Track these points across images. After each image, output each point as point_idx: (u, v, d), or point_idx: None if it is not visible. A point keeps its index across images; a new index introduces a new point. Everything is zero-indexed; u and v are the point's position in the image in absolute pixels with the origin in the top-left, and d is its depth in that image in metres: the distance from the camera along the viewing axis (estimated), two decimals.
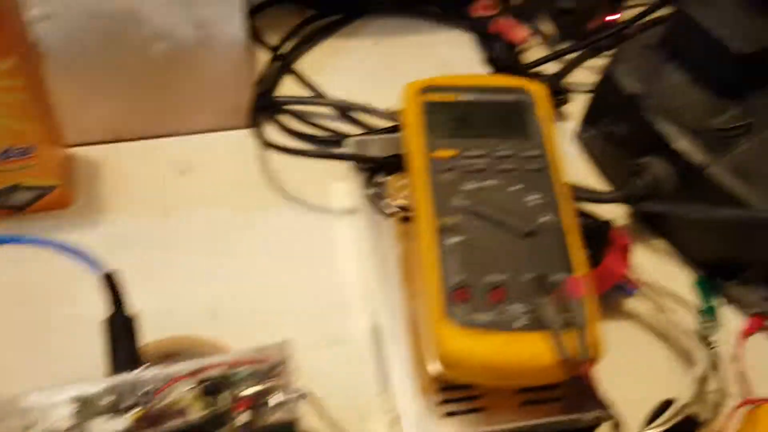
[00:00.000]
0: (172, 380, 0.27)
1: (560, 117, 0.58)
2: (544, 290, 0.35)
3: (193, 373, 0.28)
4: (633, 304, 0.46)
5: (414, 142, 0.41)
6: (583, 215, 0.45)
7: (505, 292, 0.36)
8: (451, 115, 0.43)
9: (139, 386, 0.28)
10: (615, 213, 0.52)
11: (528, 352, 0.34)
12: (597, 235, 0.44)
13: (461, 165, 0.40)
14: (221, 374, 0.29)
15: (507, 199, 0.39)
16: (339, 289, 0.46)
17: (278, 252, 0.47)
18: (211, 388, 0.28)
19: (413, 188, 0.40)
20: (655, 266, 0.49)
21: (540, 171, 0.41)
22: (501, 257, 0.37)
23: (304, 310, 0.45)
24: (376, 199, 0.45)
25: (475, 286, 0.36)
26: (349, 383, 0.42)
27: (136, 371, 0.28)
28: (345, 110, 0.55)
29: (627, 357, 0.44)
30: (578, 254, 0.38)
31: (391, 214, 0.45)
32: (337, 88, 0.57)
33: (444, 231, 0.38)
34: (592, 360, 0.35)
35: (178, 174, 0.51)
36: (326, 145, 0.53)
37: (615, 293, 0.45)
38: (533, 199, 0.39)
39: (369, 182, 0.46)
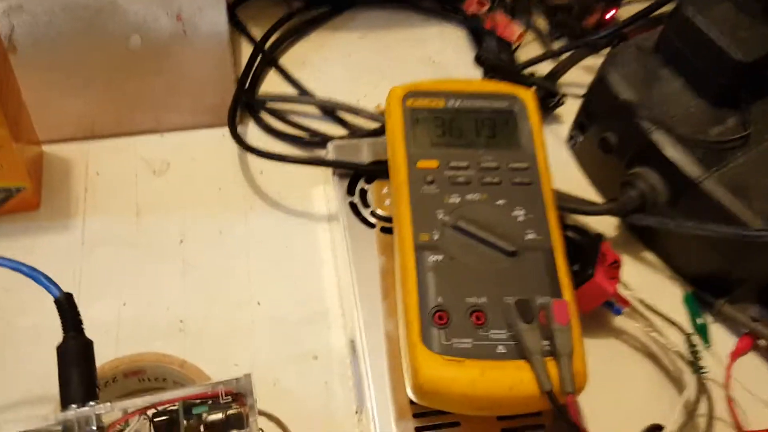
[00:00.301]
0: (127, 415, 0.26)
1: (553, 120, 0.57)
2: (528, 315, 0.34)
3: (147, 408, 0.26)
4: (621, 322, 0.45)
5: (396, 151, 0.39)
6: (572, 228, 0.43)
7: (485, 317, 0.34)
8: (436, 122, 0.41)
9: (92, 421, 0.26)
10: (605, 224, 0.50)
11: (508, 381, 0.33)
12: (587, 250, 0.43)
13: (444, 177, 0.38)
14: (178, 407, 0.27)
15: (492, 215, 0.37)
16: (317, 300, 0.44)
17: (255, 259, 0.46)
18: (167, 423, 0.27)
19: (394, 200, 0.39)
20: (645, 281, 0.47)
21: (529, 185, 0.39)
22: (483, 278, 0.35)
23: (280, 321, 0.44)
24: (358, 208, 0.43)
25: (454, 309, 0.34)
26: (325, 400, 0.41)
27: (88, 406, 0.26)
28: (330, 110, 0.53)
29: (613, 378, 0.43)
30: (565, 276, 0.36)
31: (374, 224, 0.43)
32: (323, 84, 0.55)
33: (424, 248, 0.36)
34: (577, 390, 0.33)
35: (153, 174, 0.49)
36: (310, 147, 0.51)
37: (602, 310, 0.44)
38: (520, 215, 0.38)
39: (351, 189, 0.44)
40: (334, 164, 0.45)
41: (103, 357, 0.41)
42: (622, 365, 0.44)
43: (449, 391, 0.33)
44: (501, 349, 0.33)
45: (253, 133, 0.52)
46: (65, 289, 0.30)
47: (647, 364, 0.44)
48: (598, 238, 0.44)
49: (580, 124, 0.52)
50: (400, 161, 0.39)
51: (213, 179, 0.49)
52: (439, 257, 0.36)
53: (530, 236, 0.37)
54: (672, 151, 0.45)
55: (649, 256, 0.49)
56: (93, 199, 0.47)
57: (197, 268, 0.45)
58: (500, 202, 0.38)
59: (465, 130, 0.41)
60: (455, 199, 0.38)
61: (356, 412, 0.41)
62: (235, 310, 0.44)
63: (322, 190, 0.49)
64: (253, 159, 0.50)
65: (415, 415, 0.36)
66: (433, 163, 0.39)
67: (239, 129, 0.51)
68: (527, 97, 0.42)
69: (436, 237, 0.36)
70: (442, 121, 0.41)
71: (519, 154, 0.40)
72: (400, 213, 0.37)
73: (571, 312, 0.34)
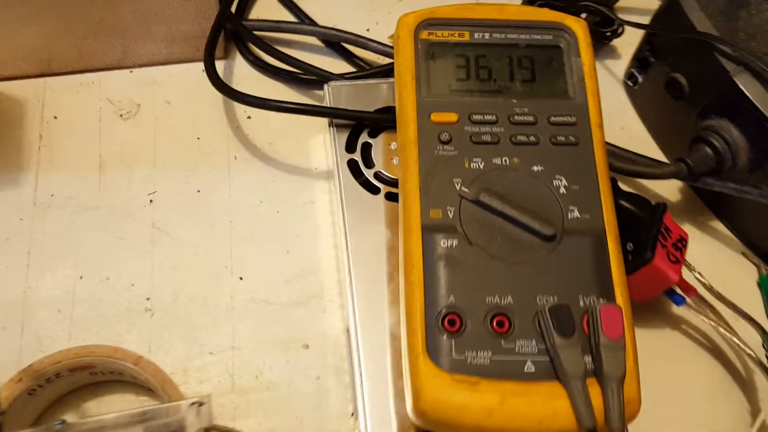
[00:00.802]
0: None
1: (608, 53, 0.47)
2: (567, 325, 0.26)
3: None
4: (681, 310, 0.37)
5: (404, 101, 0.31)
6: (626, 196, 0.35)
7: (510, 323, 0.26)
8: (458, 61, 0.32)
9: None
10: (664, 186, 0.41)
11: (537, 413, 0.25)
12: (645, 223, 0.34)
13: (465, 134, 0.30)
14: None
15: (526, 186, 0.29)
16: (312, 278, 0.37)
17: (239, 225, 0.38)
18: None
19: (400, 164, 0.30)
20: (714, 259, 0.39)
21: (575, 145, 0.30)
22: (510, 271, 0.27)
23: (266, 301, 0.36)
24: (360, 168, 0.35)
25: (470, 312, 0.26)
26: (316, 398, 0.34)
27: None
28: (333, 41, 0.44)
29: (668, 380, 0.35)
30: (619, 270, 0.28)
31: (379, 189, 0.35)
32: (326, 8, 0.46)
33: (434, 229, 0.28)
34: (627, 420, 0.26)
35: (119, 118, 0.41)
36: (309, 87, 0.43)
37: (659, 296, 0.36)
38: (563, 186, 0.29)
39: (351, 144, 0.36)
40: (328, 113, 0.36)
41: (54, 340, 0.35)
42: (680, 365, 0.36)
43: (459, 422, 0.25)
44: (529, 367, 0.26)
45: (240, 69, 0.43)
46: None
47: (712, 364, 0.36)
48: (661, 208, 0.35)
49: (641, 61, 0.43)
50: (408, 113, 0.30)
51: (191, 126, 0.41)
52: (454, 242, 0.28)
53: (575, 215, 0.29)
54: (761, 100, 0.35)
55: (719, 226, 0.40)
56: (49, 148, 0.40)
57: (169, 234, 0.38)
58: (537, 168, 0.30)
59: (495, 72, 0.32)
60: (478, 164, 0.29)
61: (352, 415, 0.34)
62: (213, 287, 0.37)
63: (322, 141, 0.40)
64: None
65: None
66: (451, 116, 0.30)
67: (223, 63, 0.43)
68: (579, 28, 0.33)
69: (450, 214, 0.28)
70: (465, 60, 0.32)
71: (565, 104, 0.31)
72: (406, 181, 0.29)
73: (626, 322, 0.26)
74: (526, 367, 0.26)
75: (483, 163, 0.29)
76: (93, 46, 0.41)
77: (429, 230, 0.28)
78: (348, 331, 0.34)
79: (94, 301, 0.36)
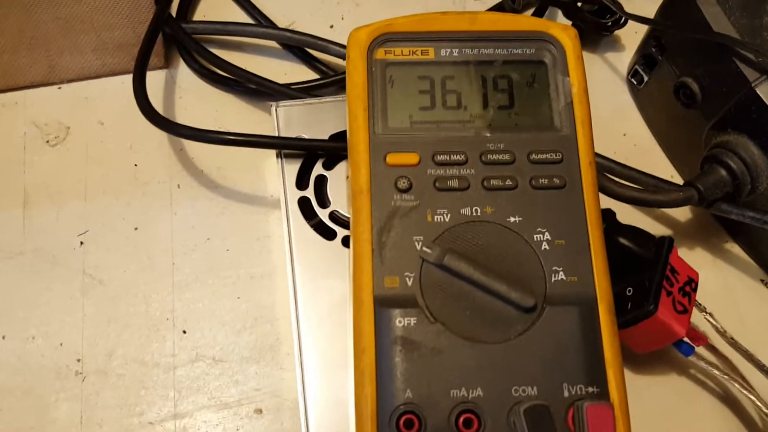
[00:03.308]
0: None
1: (609, 45, 0.42)
2: (545, 428, 0.22)
3: None
4: (692, 362, 0.33)
5: (356, 138, 0.26)
6: (626, 231, 0.31)
7: (480, 423, 0.22)
8: (420, 86, 0.27)
9: None
10: (673, 212, 0.37)
11: None
12: (647, 263, 0.30)
13: (428, 179, 0.26)
14: None
15: (500, 243, 0.25)
16: (266, 327, 0.33)
17: (182, 267, 0.34)
18: None
19: (351, 217, 0.26)
20: (729, 290, 0.35)
21: (562, 189, 0.26)
22: (478, 357, 0.23)
23: (213, 358, 0.33)
24: (313, 206, 0.31)
25: (430, 409, 0.23)
26: None
27: None
28: (291, 44, 0.39)
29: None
30: (613, 349, 0.24)
31: (335, 233, 0.31)
32: (286, 5, 0.41)
33: (389, 302, 0.24)
34: None
35: (46, 144, 0.37)
36: (263, 99, 0.38)
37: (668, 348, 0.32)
38: (545, 241, 0.25)
39: (303, 178, 0.32)
40: (275, 144, 0.32)
41: None
42: (688, 419, 0.32)
43: None
44: None
45: (185, 79, 0.39)
46: None
47: (725, 417, 0.32)
48: (666, 246, 0.30)
49: (647, 58, 0.38)
50: (359, 154, 0.26)
51: (127, 150, 0.37)
52: (413, 319, 0.24)
53: (560, 278, 0.24)
54: None
55: (736, 250, 0.36)
56: None
57: (102, 282, 0.34)
58: (514, 219, 0.25)
59: (465, 98, 0.27)
60: (443, 217, 0.25)
61: None
62: (152, 343, 0.33)
63: (277, 166, 0.36)
64: (182, 119, 0.37)
65: None
66: (410, 158, 0.26)
67: (165, 74, 0.38)
68: (567, 39, 0.28)
69: (409, 282, 0.24)
70: (430, 83, 0.27)
71: (549, 137, 0.27)
72: (357, 240, 0.25)
73: (621, 421, 0.22)
74: None
75: (449, 215, 0.25)
76: (13, 62, 0.37)
77: (383, 304, 0.24)
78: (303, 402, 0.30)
79: (18, 366, 0.32)
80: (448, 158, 0.26)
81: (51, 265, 0.34)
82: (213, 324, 0.34)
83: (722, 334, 0.32)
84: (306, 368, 0.29)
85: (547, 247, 0.25)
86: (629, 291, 0.30)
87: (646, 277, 0.30)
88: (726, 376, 0.31)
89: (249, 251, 0.35)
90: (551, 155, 0.26)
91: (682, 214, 0.37)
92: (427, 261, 0.24)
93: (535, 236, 0.25)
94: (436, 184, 0.26)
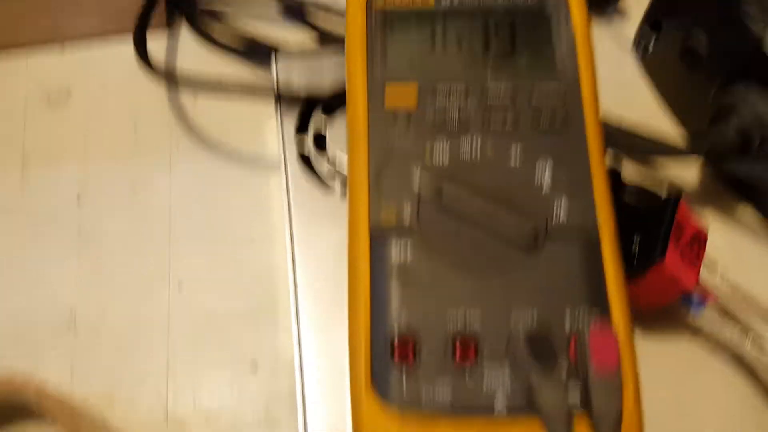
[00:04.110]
0: None
1: (613, 15, 0.42)
2: (547, 354, 0.22)
3: None
4: (701, 321, 0.32)
5: (354, 82, 0.26)
6: (631, 192, 0.30)
7: (477, 349, 0.22)
8: (420, 35, 0.27)
9: None
10: (680, 170, 0.36)
11: None
12: (654, 217, 0.30)
13: (427, 119, 0.26)
14: None
15: (500, 180, 0.25)
16: (264, 287, 0.33)
17: (180, 226, 0.34)
18: None
19: (349, 157, 0.26)
20: (739, 254, 0.34)
21: (563, 126, 0.26)
22: (476, 285, 0.23)
23: (209, 314, 0.33)
24: (310, 157, 0.31)
25: (426, 336, 0.22)
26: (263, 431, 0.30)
27: None
28: (295, 8, 0.40)
29: (688, 404, 0.31)
30: (617, 281, 0.23)
31: (332, 181, 0.31)
32: None
33: (384, 236, 0.24)
34: None
35: (47, 105, 0.37)
36: (264, 62, 0.38)
37: (675, 304, 0.31)
38: (547, 180, 0.25)
39: (303, 127, 0.32)
40: (277, 93, 0.32)
41: None
42: (699, 383, 0.32)
43: None
44: (500, 401, 0.22)
45: (186, 44, 0.39)
46: None
47: (739, 381, 0.32)
48: (674, 197, 0.30)
49: (653, 23, 0.38)
50: (357, 97, 0.26)
51: (127, 111, 0.37)
52: (409, 249, 0.23)
53: (562, 215, 0.24)
54: None
55: (747, 212, 0.36)
56: None
57: (97, 239, 0.34)
58: (515, 158, 0.25)
59: (465, 45, 0.27)
60: (442, 155, 0.25)
61: None
62: (146, 299, 0.33)
63: (276, 114, 0.36)
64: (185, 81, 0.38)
65: None
66: (409, 99, 0.26)
67: (168, 39, 0.39)
68: None
69: (406, 216, 0.24)
70: (430, 32, 0.27)
71: (551, 80, 0.26)
72: (354, 176, 0.25)
73: (625, 348, 0.22)
74: (495, 402, 0.21)
75: (448, 154, 0.25)
76: (14, 20, 0.37)
77: (379, 235, 0.24)
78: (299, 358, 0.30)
79: (10, 318, 0.32)
80: (448, 100, 0.26)
81: (47, 222, 0.34)
82: (209, 283, 0.33)
83: (732, 293, 0.31)
84: (302, 325, 0.29)
85: (548, 186, 0.25)
86: (635, 245, 0.30)
87: (652, 228, 0.29)
88: (737, 339, 0.30)
89: (248, 213, 0.35)
90: (553, 97, 0.26)
91: (689, 175, 0.37)
92: (425, 196, 0.24)
93: (536, 175, 0.25)
94: (435, 124, 0.25)
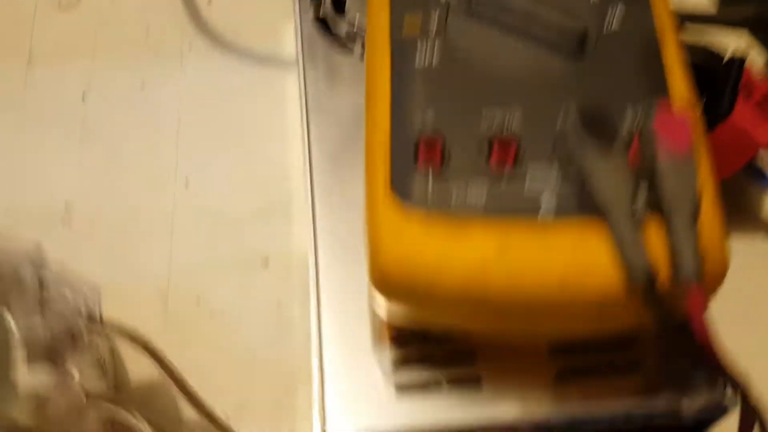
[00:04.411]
0: None
1: None
2: (604, 125, 0.18)
3: None
4: None
5: None
6: (690, 50, 0.27)
7: (519, 146, 0.18)
8: None
9: None
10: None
11: (558, 262, 0.17)
12: (719, 77, 0.26)
13: None
14: None
15: None
16: (278, 186, 0.30)
17: (189, 125, 0.32)
18: None
19: None
20: None
21: None
22: (515, 87, 0.19)
23: (218, 212, 0.30)
24: (326, 19, 0.28)
25: (457, 134, 0.19)
26: (274, 329, 0.27)
27: None
28: None
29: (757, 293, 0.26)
30: (680, 68, 0.19)
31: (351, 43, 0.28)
32: None
33: (406, 42, 0.20)
34: (708, 283, 0.17)
35: (58, 7, 0.35)
36: None
37: (745, 182, 0.27)
38: None
39: None
40: None
41: None
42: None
43: (437, 282, 0.17)
44: (547, 201, 0.18)
45: None
46: None
47: None
48: (738, 59, 0.27)
49: None
50: None
51: (141, 14, 0.35)
52: (436, 53, 0.20)
53: (615, 18, 0.21)
54: None
55: None
56: None
57: (102, 134, 0.32)
58: None
59: None
60: None
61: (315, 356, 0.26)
62: (151, 195, 0.30)
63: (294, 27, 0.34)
64: None
65: (397, 340, 0.21)
66: None
67: None
68: None
69: (432, 22, 0.21)
70: None
71: None
72: None
73: (697, 126, 0.18)
74: (541, 202, 0.18)
75: None
76: None
77: (401, 43, 0.20)
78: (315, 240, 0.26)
79: (5, 210, 0.30)
80: None
81: (50, 116, 0.32)
82: (219, 180, 0.30)
83: None
84: (318, 215, 0.26)
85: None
86: (702, 100, 0.26)
87: (719, 86, 0.26)
88: None
89: (263, 113, 0.32)
90: None
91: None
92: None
93: None
94: None
